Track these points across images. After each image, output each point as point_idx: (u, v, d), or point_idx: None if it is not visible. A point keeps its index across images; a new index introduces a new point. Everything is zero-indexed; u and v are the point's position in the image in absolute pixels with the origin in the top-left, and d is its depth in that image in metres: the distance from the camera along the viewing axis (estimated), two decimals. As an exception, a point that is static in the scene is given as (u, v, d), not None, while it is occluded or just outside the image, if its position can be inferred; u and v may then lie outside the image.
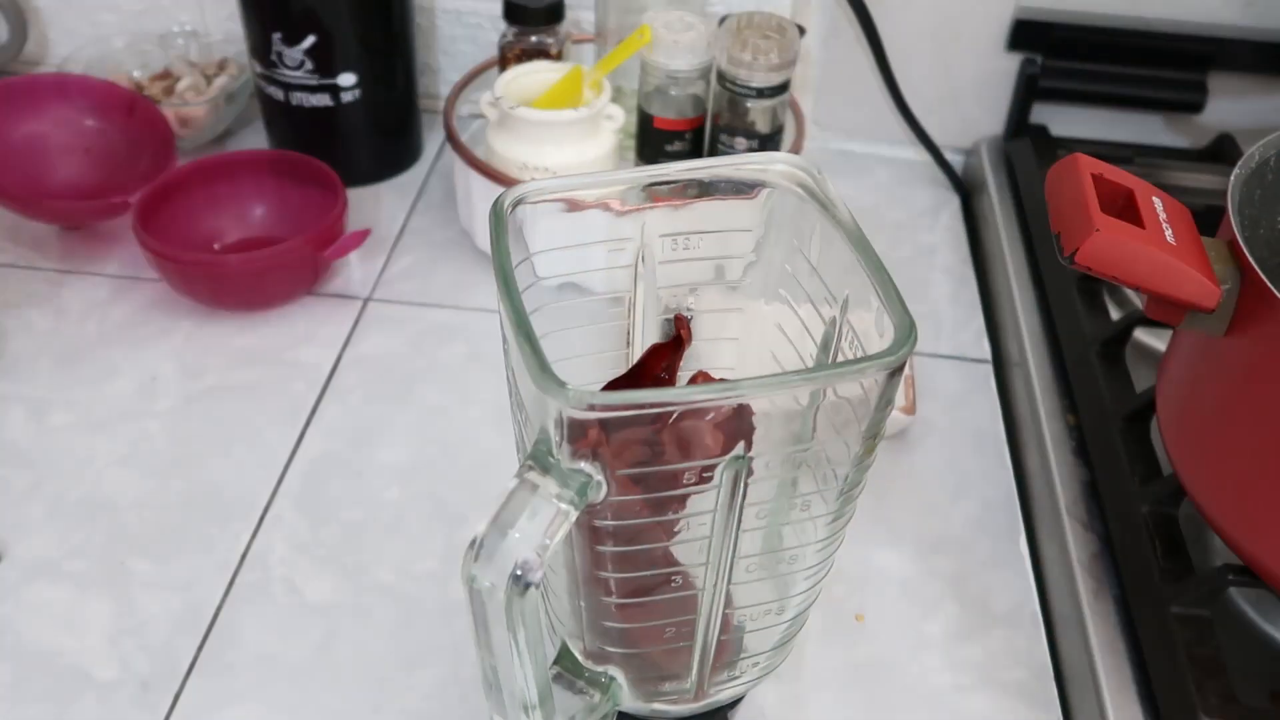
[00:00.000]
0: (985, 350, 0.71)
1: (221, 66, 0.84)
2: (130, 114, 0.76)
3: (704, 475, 0.36)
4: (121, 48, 0.84)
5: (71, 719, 0.49)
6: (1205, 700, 0.47)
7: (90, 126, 0.76)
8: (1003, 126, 0.85)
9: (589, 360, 0.45)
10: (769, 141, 0.72)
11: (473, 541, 0.33)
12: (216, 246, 0.73)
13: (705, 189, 0.41)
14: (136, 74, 0.83)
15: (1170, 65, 0.80)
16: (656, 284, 0.44)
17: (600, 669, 0.43)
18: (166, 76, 0.83)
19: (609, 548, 0.38)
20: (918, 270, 0.77)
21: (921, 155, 0.85)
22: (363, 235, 0.70)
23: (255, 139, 0.84)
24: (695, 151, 0.74)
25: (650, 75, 0.71)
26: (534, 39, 0.74)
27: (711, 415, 0.35)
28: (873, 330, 0.37)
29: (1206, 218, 0.48)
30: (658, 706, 0.45)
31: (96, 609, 0.53)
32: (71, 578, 0.55)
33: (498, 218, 0.38)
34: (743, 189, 0.41)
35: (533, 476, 0.34)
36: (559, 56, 0.75)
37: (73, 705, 0.50)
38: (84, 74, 0.79)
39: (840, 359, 0.40)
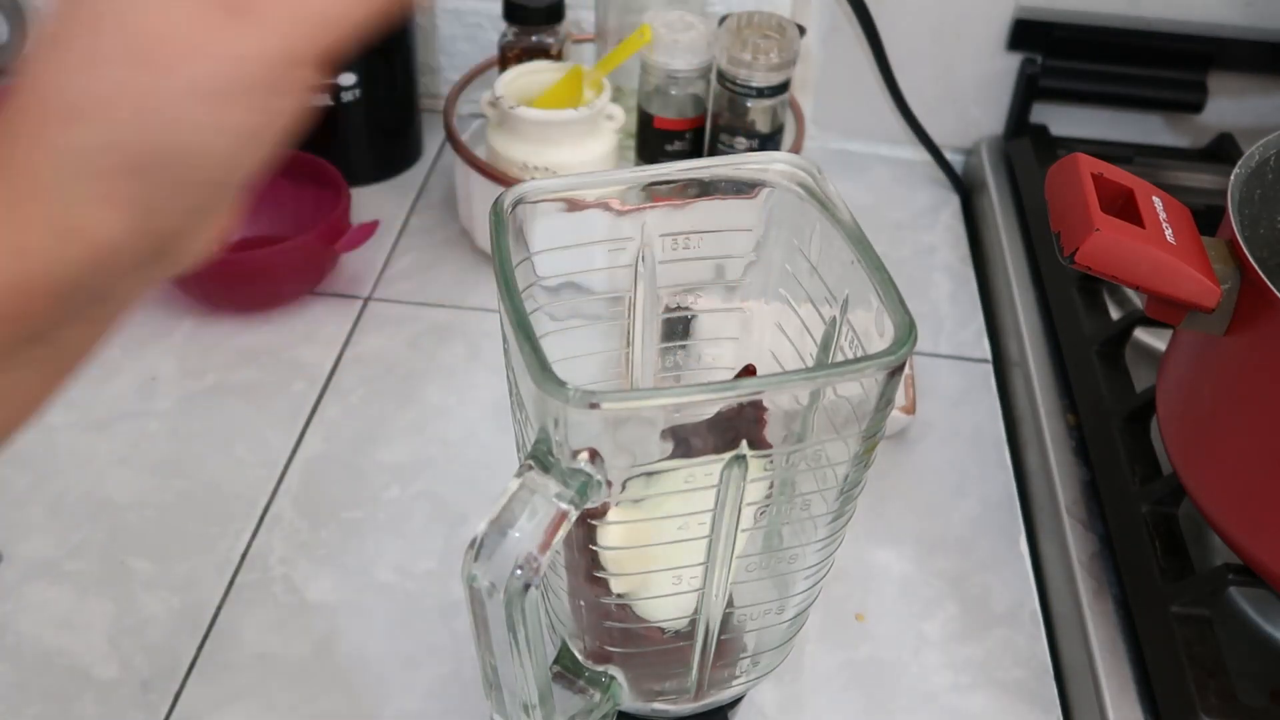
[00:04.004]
0: (985, 350, 0.71)
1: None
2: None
3: (704, 475, 0.36)
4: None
5: (71, 719, 0.49)
6: (1205, 700, 0.47)
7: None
8: (1003, 126, 0.85)
9: (589, 360, 0.45)
10: (769, 141, 0.72)
11: (473, 541, 0.33)
12: (215, 246, 0.73)
13: (705, 189, 0.41)
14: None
15: (1170, 65, 0.80)
16: (656, 284, 0.43)
17: (600, 669, 0.43)
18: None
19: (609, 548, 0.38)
20: (918, 270, 0.77)
21: (921, 155, 0.85)
22: (373, 226, 0.70)
23: (255, 139, 0.83)
24: (695, 151, 0.74)
25: (650, 75, 0.71)
26: (534, 39, 0.74)
27: (712, 415, 0.35)
28: (873, 330, 0.37)
29: (1206, 217, 0.48)
30: (658, 706, 0.45)
31: (96, 609, 0.53)
32: (71, 578, 0.55)
33: (498, 217, 0.38)
34: (743, 189, 0.41)
35: (533, 476, 0.34)
36: (559, 56, 0.75)
37: (73, 705, 0.50)
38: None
39: (840, 358, 0.40)
